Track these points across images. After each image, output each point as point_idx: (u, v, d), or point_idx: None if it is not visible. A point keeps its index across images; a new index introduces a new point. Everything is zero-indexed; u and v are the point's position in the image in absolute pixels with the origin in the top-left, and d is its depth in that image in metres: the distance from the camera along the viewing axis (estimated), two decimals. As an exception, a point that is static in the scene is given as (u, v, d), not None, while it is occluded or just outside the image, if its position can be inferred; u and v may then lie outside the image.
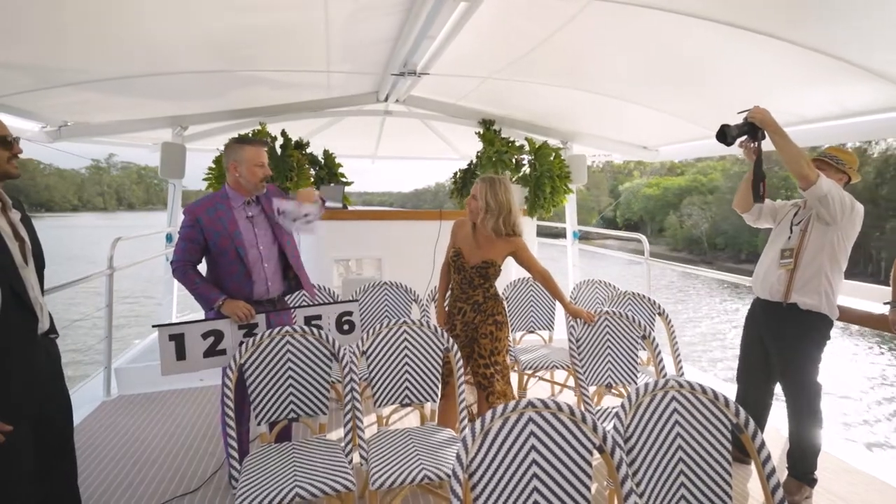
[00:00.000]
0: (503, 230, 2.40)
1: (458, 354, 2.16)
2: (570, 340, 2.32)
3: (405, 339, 2.18)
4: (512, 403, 1.29)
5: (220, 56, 3.24)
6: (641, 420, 1.41)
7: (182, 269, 2.15)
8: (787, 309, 2.31)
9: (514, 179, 5.11)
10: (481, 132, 5.13)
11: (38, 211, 66.43)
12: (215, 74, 3.57)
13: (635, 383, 2.41)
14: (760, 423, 2.58)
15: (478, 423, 1.26)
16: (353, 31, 2.98)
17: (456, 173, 5.57)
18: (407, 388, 2.15)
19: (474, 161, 5.30)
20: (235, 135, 4.41)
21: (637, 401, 1.42)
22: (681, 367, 2.78)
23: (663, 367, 2.32)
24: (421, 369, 2.17)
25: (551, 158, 5.08)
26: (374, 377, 2.11)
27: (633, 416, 1.40)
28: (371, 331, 2.13)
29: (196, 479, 2.46)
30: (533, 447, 1.28)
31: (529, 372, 2.99)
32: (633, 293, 3.00)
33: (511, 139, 5.15)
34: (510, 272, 4.39)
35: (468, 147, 6.17)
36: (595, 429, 1.30)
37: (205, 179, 4.48)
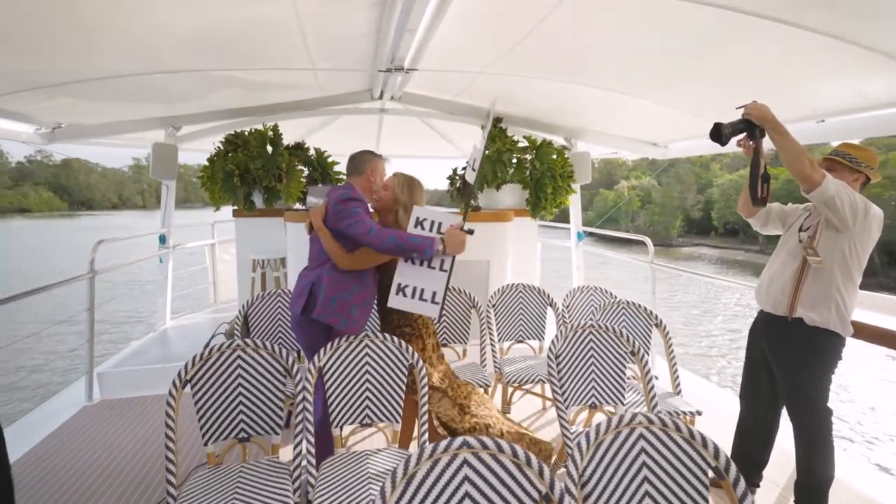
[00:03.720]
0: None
1: (424, 371, 2.00)
2: (548, 357, 2.13)
3: (366, 353, 2.02)
4: (444, 443, 1.12)
5: (205, 54, 3.13)
6: (602, 462, 1.22)
7: (387, 230, 2.10)
8: (792, 324, 2.07)
9: (514, 180, 4.91)
10: (484, 130, 4.93)
11: (78, 209, 68.36)
12: (203, 73, 3.48)
13: (622, 403, 2.21)
14: (766, 446, 2.34)
15: (400, 466, 1.09)
16: (327, 25, 2.84)
17: (454, 171, 5.40)
18: (367, 407, 1.99)
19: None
20: (231, 133, 4.39)
21: (597, 439, 1.23)
22: (678, 386, 2.56)
23: (653, 387, 2.11)
24: (382, 387, 2.01)
25: (553, 157, 4.86)
26: (330, 395, 1.96)
27: (592, 457, 1.22)
28: (329, 345, 1.98)
29: (160, 492, 2.36)
30: (467, 494, 1.11)
31: (515, 385, 2.80)
32: (629, 302, 2.79)
33: (515, 138, 4.95)
34: (505, 276, 4.21)
35: (470, 146, 5.98)
36: (541, 473, 1.12)
37: (198, 178, 4.42)
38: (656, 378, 2.85)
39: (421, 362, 2.00)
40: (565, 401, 2.14)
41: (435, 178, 5.65)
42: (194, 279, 6.03)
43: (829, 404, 2.05)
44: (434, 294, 2.06)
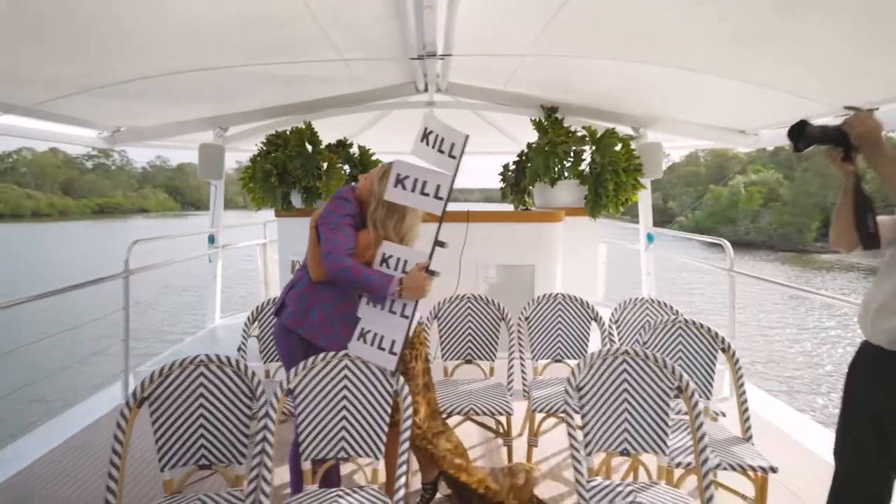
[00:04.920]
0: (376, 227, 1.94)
1: (409, 399, 1.68)
2: (567, 389, 1.72)
3: (345, 376, 1.75)
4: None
5: (234, 48, 3.05)
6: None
7: (343, 260, 1.83)
8: None
9: (571, 175, 4.42)
10: (537, 120, 4.50)
11: (188, 209, 75.89)
12: (238, 69, 3.42)
13: (664, 452, 1.74)
14: None
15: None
16: (340, 9, 2.61)
17: (506, 168, 5.01)
18: (343, 439, 1.72)
19: (525, 151, 4.70)
20: (272, 133, 4.38)
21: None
22: (749, 430, 2.02)
23: (703, 435, 1.63)
24: (362, 417, 1.73)
25: (616, 149, 4.30)
26: (301, 423, 1.71)
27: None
28: (303, 364, 1.73)
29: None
30: None
31: (545, 412, 2.40)
32: (688, 321, 2.26)
33: (572, 128, 4.46)
34: (553, 283, 3.76)
35: (529, 139, 5.57)
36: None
37: (240, 179, 4.45)
38: (723, 415, 2.32)
39: (406, 389, 1.70)
40: (588, 444, 1.72)
41: (492, 177, 5.29)
42: (250, 277, 6.20)
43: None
44: (393, 343, 1.77)
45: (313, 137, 4.21)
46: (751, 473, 1.85)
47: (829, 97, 3.14)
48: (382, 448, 1.72)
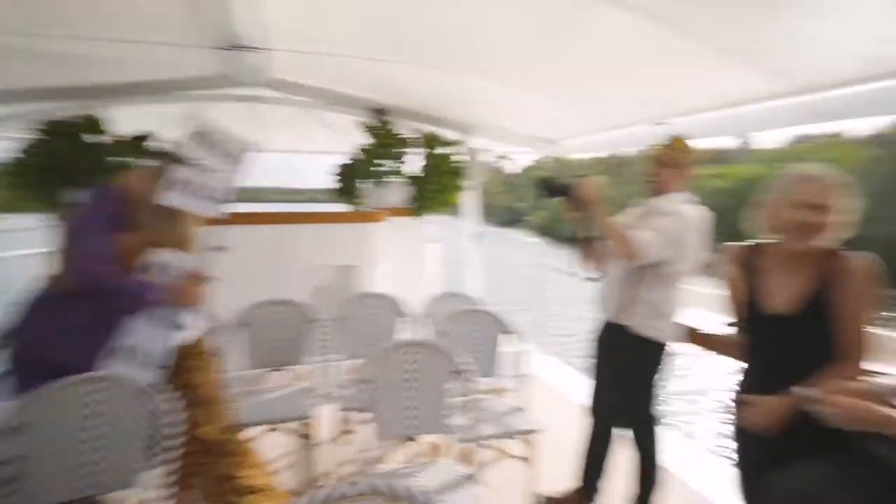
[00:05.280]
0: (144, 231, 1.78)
1: (176, 417, 1.54)
2: (359, 387, 1.76)
3: (91, 402, 1.51)
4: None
5: None
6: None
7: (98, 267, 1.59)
8: (620, 331, 1.97)
9: (397, 176, 4.55)
10: (368, 123, 4.53)
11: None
12: None
13: (448, 431, 1.89)
14: (601, 472, 2.13)
15: None
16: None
17: (341, 168, 4.95)
18: (88, 475, 1.49)
19: (358, 153, 4.70)
20: (52, 119, 3.69)
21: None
22: (525, 400, 2.30)
23: (479, 410, 1.81)
24: (113, 444, 1.53)
25: (441, 152, 4.56)
26: (28, 464, 1.44)
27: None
28: (32, 395, 1.46)
29: None
30: None
31: (354, 409, 2.41)
32: (476, 309, 2.51)
33: (398, 133, 4.59)
34: (374, 283, 3.81)
35: (363, 141, 5.57)
36: None
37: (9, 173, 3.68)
38: (512, 390, 2.61)
39: (175, 406, 1.55)
40: (381, 434, 1.78)
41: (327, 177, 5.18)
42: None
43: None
44: (158, 356, 1.66)
45: (95, 127, 3.67)
46: (521, 437, 2.11)
47: (630, 110, 3.59)
48: (139, 477, 1.55)
